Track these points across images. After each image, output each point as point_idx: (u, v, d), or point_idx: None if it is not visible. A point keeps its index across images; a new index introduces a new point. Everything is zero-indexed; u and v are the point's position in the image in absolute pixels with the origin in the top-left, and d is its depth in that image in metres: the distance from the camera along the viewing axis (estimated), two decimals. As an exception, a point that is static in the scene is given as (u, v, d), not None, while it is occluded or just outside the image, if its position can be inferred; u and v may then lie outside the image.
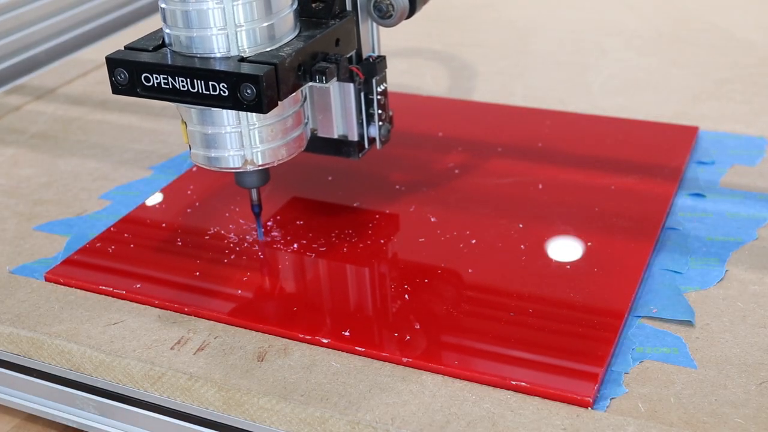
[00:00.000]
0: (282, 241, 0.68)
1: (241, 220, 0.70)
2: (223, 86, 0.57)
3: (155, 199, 0.75)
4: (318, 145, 0.69)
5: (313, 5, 0.63)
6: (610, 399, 0.52)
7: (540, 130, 0.81)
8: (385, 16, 0.65)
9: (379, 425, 0.51)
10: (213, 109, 0.60)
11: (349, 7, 0.65)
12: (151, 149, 0.84)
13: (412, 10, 0.66)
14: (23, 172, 0.81)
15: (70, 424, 0.63)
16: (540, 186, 0.72)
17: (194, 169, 0.78)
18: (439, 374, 0.55)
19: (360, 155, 0.69)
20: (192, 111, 0.61)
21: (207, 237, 0.69)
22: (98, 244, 0.69)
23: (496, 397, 0.53)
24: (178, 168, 0.80)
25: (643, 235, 0.65)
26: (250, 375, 0.56)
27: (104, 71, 1.02)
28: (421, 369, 0.55)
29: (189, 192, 0.75)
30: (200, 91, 0.58)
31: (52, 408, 0.63)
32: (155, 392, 0.58)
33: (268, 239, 0.68)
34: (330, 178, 0.75)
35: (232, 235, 0.69)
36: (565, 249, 0.65)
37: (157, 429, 0.59)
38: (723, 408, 0.51)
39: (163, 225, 0.71)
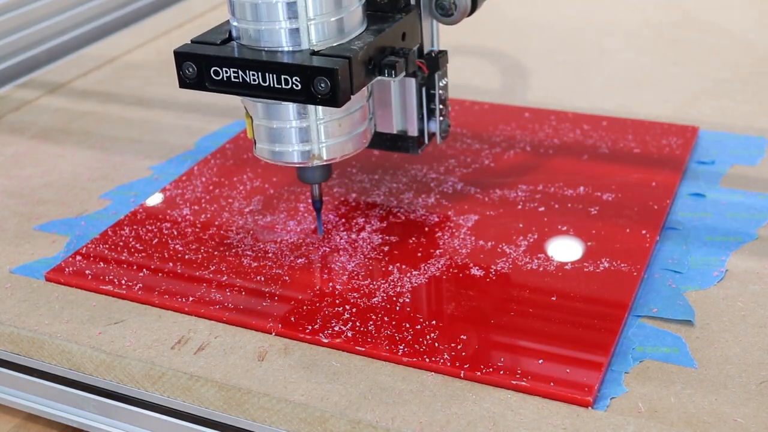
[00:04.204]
0: (283, 241, 0.68)
1: (240, 220, 0.71)
2: (296, 80, 0.57)
3: (155, 199, 0.75)
4: (375, 140, 0.69)
5: None
6: (611, 398, 0.52)
7: (540, 130, 0.81)
8: (447, 14, 0.65)
9: (379, 425, 0.52)
10: (281, 103, 0.60)
11: (412, 0, 0.65)
12: (151, 149, 0.84)
13: (473, 8, 0.66)
14: (24, 172, 0.81)
15: (70, 424, 0.63)
16: (540, 185, 0.72)
17: (195, 169, 0.79)
18: (439, 374, 0.55)
19: (419, 150, 0.69)
20: (258, 105, 0.61)
21: (207, 236, 0.69)
22: (98, 244, 0.69)
23: (496, 397, 0.53)
24: (178, 168, 0.80)
25: (643, 235, 0.65)
26: (251, 375, 0.56)
27: (104, 71, 1.02)
28: (421, 369, 0.55)
29: (189, 192, 0.75)
30: (272, 85, 0.58)
31: (52, 408, 0.63)
32: (156, 392, 0.58)
33: (270, 238, 0.68)
34: (334, 174, 0.75)
35: (232, 234, 0.69)
36: (565, 248, 0.65)
37: (157, 429, 0.59)
38: (723, 408, 0.51)
39: (164, 225, 0.71)
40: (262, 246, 0.67)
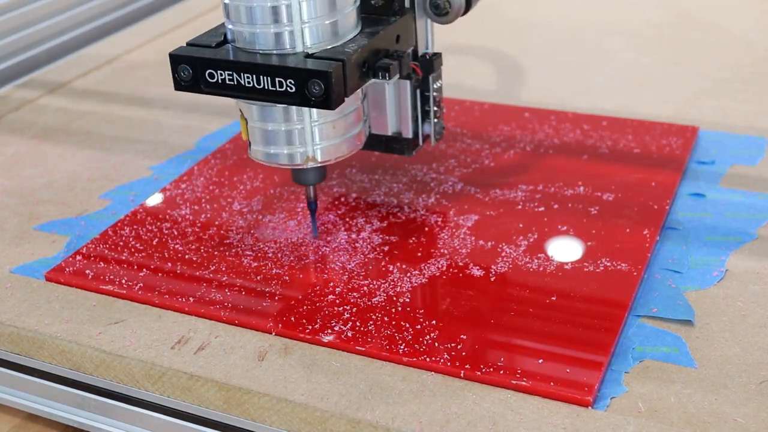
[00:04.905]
0: (283, 241, 0.68)
1: (241, 220, 0.71)
2: (290, 82, 0.57)
3: (155, 199, 0.75)
4: (370, 142, 0.69)
5: (373, 2, 0.63)
6: (610, 398, 0.52)
7: (540, 130, 0.81)
8: (441, 14, 0.65)
9: (379, 425, 0.52)
10: (275, 105, 0.60)
11: (407, 3, 0.65)
12: (151, 149, 0.84)
13: (467, 7, 0.66)
14: (24, 172, 0.81)
15: (70, 424, 0.63)
16: (540, 185, 0.72)
17: (195, 169, 0.79)
18: (439, 374, 0.55)
19: (413, 152, 0.69)
20: (253, 107, 0.61)
21: (207, 237, 0.69)
22: (98, 244, 0.69)
23: (496, 397, 0.53)
24: (178, 168, 0.80)
25: (643, 235, 0.65)
26: (251, 375, 0.56)
27: (104, 71, 1.02)
28: (421, 368, 0.55)
29: (189, 192, 0.75)
30: (266, 88, 0.58)
31: (52, 407, 0.63)
32: (156, 392, 0.58)
33: (270, 238, 0.68)
34: (334, 174, 0.75)
35: (232, 234, 0.69)
36: (565, 248, 0.65)
37: (157, 428, 0.59)
38: (723, 407, 0.51)
39: (163, 225, 0.71)
40: (262, 246, 0.67)
